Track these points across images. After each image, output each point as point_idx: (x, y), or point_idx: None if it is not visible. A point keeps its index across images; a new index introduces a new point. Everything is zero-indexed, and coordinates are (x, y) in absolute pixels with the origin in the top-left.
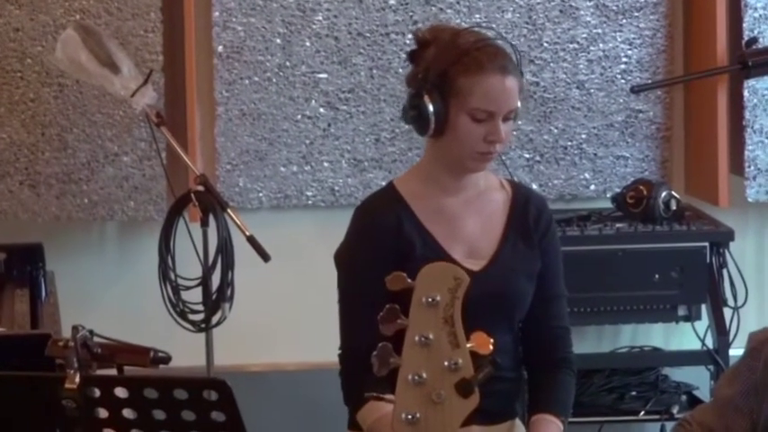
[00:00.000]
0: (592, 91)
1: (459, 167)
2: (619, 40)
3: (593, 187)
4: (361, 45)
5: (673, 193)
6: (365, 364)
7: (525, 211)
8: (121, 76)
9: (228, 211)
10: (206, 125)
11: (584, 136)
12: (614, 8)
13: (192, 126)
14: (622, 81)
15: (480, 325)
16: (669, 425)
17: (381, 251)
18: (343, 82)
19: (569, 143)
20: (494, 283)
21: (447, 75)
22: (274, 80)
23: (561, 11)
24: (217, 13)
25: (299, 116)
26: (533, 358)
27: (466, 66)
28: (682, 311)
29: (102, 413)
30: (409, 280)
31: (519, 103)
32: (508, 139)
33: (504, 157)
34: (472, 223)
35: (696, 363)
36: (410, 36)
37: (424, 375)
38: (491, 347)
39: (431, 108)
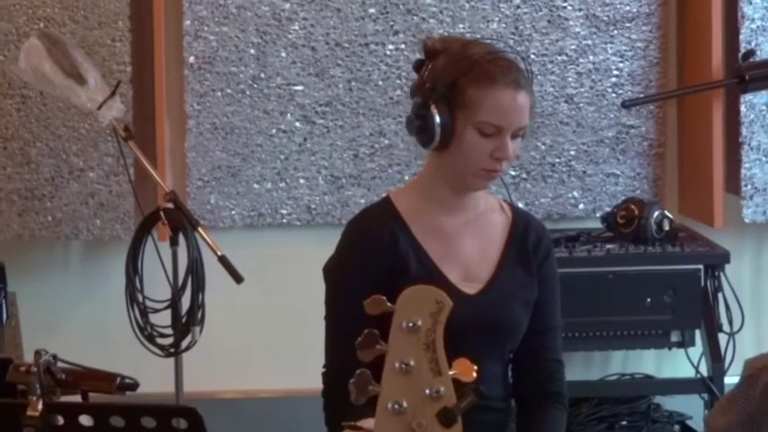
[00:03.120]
0: (581, 105)
1: (462, 184)
2: (609, 52)
3: (582, 206)
4: (339, 56)
5: (665, 212)
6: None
7: (525, 237)
8: (87, 87)
9: (199, 229)
10: (176, 139)
11: (572, 152)
12: (605, 19)
13: (162, 140)
14: (613, 95)
15: (470, 351)
16: None
17: (374, 267)
18: (321, 94)
19: (557, 160)
20: (488, 309)
21: (456, 85)
22: (248, 92)
23: (549, 21)
24: (188, 22)
25: (274, 130)
26: (524, 391)
27: (477, 77)
28: (675, 337)
29: None
30: (389, 304)
31: (528, 121)
32: (514, 157)
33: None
34: (470, 245)
35: (690, 391)
36: (390, 47)
37: (405, 404)
38: (474, 375)
39: (437, 119)
